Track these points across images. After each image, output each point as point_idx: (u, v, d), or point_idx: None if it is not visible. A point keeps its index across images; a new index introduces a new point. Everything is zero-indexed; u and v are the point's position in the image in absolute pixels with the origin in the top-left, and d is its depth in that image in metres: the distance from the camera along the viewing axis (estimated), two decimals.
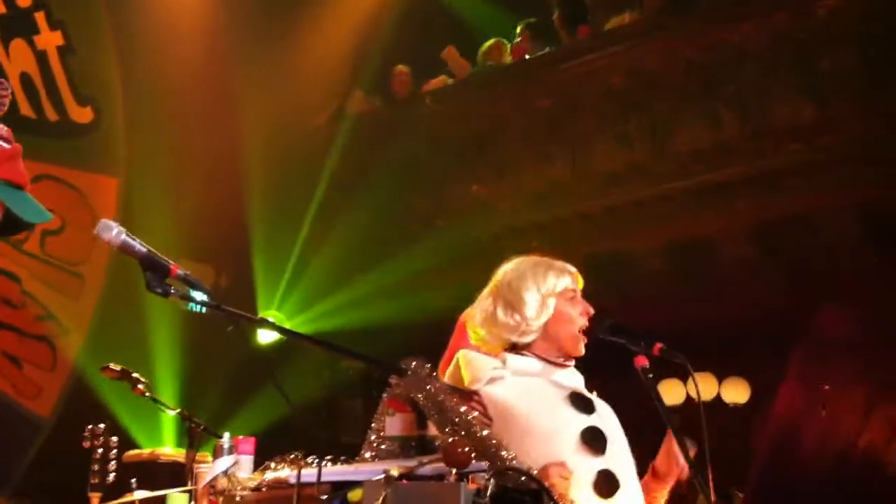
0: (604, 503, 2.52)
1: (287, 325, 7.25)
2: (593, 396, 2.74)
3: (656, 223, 6.88)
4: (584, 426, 2.60)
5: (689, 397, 6.02)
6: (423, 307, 7.25)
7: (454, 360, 2.76)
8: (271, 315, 7.94)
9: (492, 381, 2.66)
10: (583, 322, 2.76)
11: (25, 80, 7.62)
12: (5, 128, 1.91)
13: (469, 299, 3.23)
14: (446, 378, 2.71)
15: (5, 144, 1.89)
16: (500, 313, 2.75)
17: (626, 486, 2.60)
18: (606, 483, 2.55)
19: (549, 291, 2.75)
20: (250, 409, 6.78)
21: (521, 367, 2.71)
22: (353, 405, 7.72)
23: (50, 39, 7.74)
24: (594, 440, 2.59)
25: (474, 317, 2.84)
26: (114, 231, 2.31)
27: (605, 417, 2.70)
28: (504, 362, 2.71)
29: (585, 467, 2.55)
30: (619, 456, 2.65)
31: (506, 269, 2.83)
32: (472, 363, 2.70)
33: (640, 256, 7.06)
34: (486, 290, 2.84)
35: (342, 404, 8.01)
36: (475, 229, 7.58)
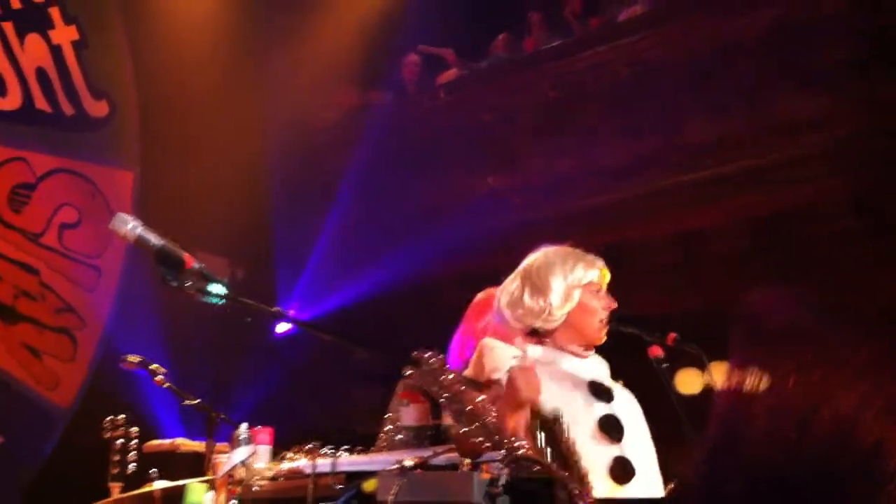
0: (619, 490, 2.57)
1: (303, 317, 7.30)
2: (616, 386, 2.79)
3: (665, 215, 6.90)
4: (602, 414, 2.65)
5: (707, 387, 6.05)
6: (434, 299, 7.28)
7: (477, 348, 2.81)
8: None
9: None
10: (604, 315, 2.81)
11: (41, 74, 7.65)
12: None
13: (479, 290, 3.28)
14: (470, 366, 2.76)
15: None
16: (526, 297, 2.81)
17: (643, 474, 2.64)
18: (622, 470, 2.59)
19: (575, 282, 2.80)
20: (267, 399, 6.83)
21: (541, 356, 2.76)
22: (368, 396, 7.76)
23: (64, 34, 7.77)
24: (610, 428, 2.63)
25: (499, 298, 2.89)
26: (129, 225, 2.33)
27: (625, 406, 2.74)
28: (524, 352, 2.77)
29: (601, 454, 2.60)
30: (638, 444, 2.69)
31: (536, 256, 2.89)
32: (492, 352, 2.75)
33: (650, 248, 7.07)
34: (514, 274, 2.90)
35: (358, 395, 8.05)
36: (485, 222, 7.61)
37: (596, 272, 2.84)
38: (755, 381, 1.24)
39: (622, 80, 7.19)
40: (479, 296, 3.23)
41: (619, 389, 2.78)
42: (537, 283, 2.81)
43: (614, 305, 2.83)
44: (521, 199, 7.64)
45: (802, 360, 1.20)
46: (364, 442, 2.49)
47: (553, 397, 2.63)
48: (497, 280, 3.03)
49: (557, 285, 2.80)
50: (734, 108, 6.62)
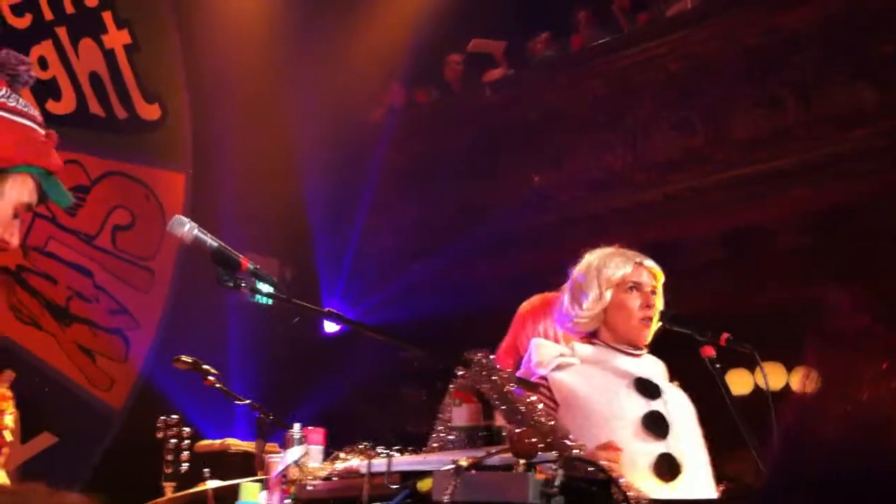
0: (664, 487, 2.54)
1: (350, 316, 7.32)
2: (667, 384, 2.76)
3: (715, 212, 6.83)
4: (646, 411, 2.63)
5: (757, 387, 5.98)
6: (481, 298, 7.26)
7: (529, 348, 2.82)
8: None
9: (559, 367, 2.71)
10: (643, 314, 2.78)
11: (94, 78, 7.79)
12: (39, 115, 1.99)
13: (526, 290, 3.27)
14: (522, 366, 2.77)
15: (40, 130, 1.95)
16: (565, 302, 2.83)
17: (691, 472, 2.61)
18: (667, 467, 2.57)
19: (605, 281, 2.79)
20: (316, 399, 6.87)
21: (588, 354, 2.76)
22: (415, 395, 7.78)
23: (117, 38, 7.88)
24: (654, 425, 2.62)
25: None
26: (186, 227, 2.36)
27: (673, 404, 2.72)
28: (572, 350, 2.76)
29: (645, 451, 2.59)
30: (685, 441, 2.66)
31: (581, 261, 2.89)
32: (540, 349, 2.78)
33: (699, 245, 7.00)
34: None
35: (405, 394, 8.08)
36: (532, 220, 7.59)
37: (629, 268, 2.81)
38: (828, 387, 1.20)
39: (671, 74, 7.12)
40: (531, 302, 3.22)
41: (669, 388, 2.76)
42: (575, 290, 2.83)
43: (651, 304, 2.79)
44: (568, 197, 7.61)
45: (878, 367, 1.17)
46: (414, 441, 2.50)
47: (596, 394, 2.62)
48: (544, 279, 3.03)
49: (591, 287, 2.79)
50: (785, 102, 6.53)
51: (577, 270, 2.87)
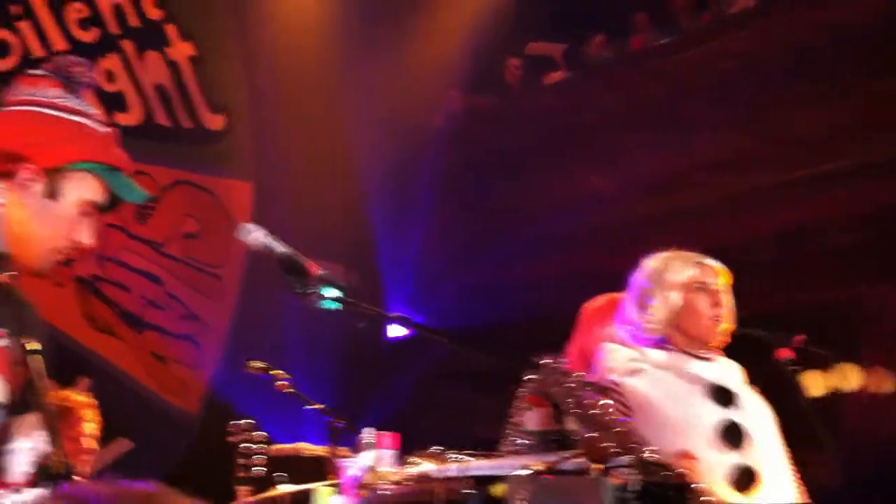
0: (741, 498, 2.50)
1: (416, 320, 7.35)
2: (744, 390, 2.71)
3: (771, 211, 6.75)
4: (720, 419, 2.59)
5: (831, 389, 5.90)
6: (542, 300, 7.24)
7: (599, 352, 2.80)
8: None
9: (632, 373, 2.68)
10: (713, 313, 2.75)
11: (160, 89, 7.94)
12: (100, 114, 1.98)
13: (588, 291, 3.24)
14: (591, 370, 2.75)
15: (100, 128, 1.95)
16: (632, 310, 2.80)
17: (769, 482, 2.57)
18: (742, 478, 2.53)
19: (671, 285, 2.76)
20: (383, 404, 6.90)
21: (660, 359, 2.72)
22: (485, 399, 7.76)
23: (181, 50, 8.03)
24: (729, 434, 2.57)
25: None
26: (256, 234, 2.39)
27: (749, 411, 2.67)
28: (643, 355, 2.74)
29: (720, 461, 2.54)
30: (762, 451, 2.61)
31: (642, 267, 2.86)
32: (611, 354, 2.75)
33: (755, 245, 6.91)
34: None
35: (474, 398, 8.06)
36: (590, 221, 7.56)
37: (694, 270, 2.78)
38: (886, 383, 1.20)
39: (726, 74, 7.06)
40: (596, 303, 3.19)
41: (745, 394, 2.70)
42: (641, 295, 2.81)
43: (720, 302, 2.76)
44: (626, 198, 7.56)
45: None
46: (483, 446, 2.50)
47: (669, 400, 2.59)
48: (605, 281, 3.01)
49: (656, 292, 2.78)
50: (840, 100, 6.44)
51: (640, 277, 2.83)
